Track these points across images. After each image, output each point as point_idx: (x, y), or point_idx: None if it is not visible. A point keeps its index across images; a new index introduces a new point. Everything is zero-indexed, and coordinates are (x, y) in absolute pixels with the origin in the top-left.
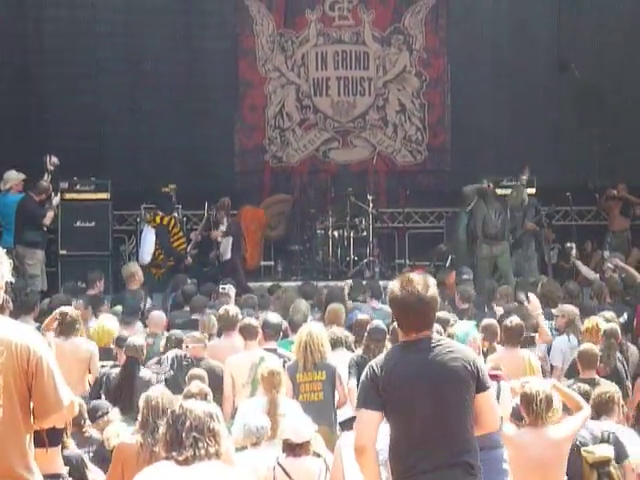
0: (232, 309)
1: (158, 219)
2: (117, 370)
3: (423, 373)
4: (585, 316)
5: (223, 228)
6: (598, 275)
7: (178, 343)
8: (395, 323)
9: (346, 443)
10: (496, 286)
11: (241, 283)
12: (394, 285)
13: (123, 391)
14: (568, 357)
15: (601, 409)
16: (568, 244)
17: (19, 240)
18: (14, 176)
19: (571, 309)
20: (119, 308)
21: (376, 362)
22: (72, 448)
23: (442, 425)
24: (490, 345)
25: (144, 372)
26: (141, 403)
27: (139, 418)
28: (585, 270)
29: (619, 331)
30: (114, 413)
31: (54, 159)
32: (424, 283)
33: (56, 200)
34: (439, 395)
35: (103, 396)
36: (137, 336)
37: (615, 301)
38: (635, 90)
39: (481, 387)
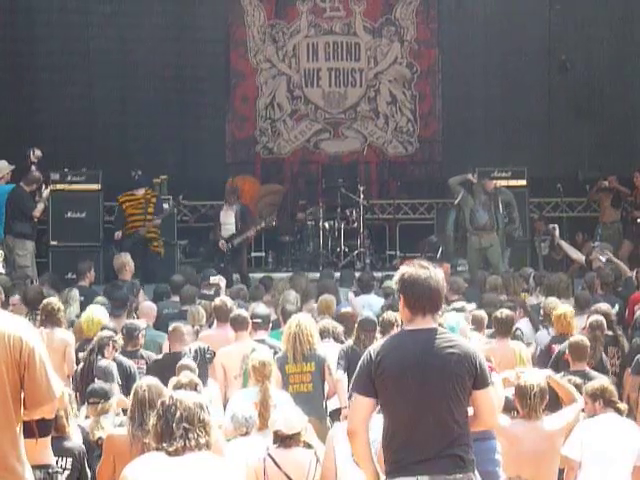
0: (229, 301)
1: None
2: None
3: (413, 362)
4: (579, 307)
5: (232, 220)
6: (584, 257)
7: (130, 333)
8: (386, 313)
9: (337, 434)
10: (487, 277)
11: (242, 272)
12: (404, 267)
13: (86, 378)
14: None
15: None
16: (550, 225)
17: (9, 231)
18: (5, 166)
19: (552, 301)
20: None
21: (374, 347)
22: (75, 439)
23: (431, 417)
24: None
25: (103, 361)
26: (131, 394)
27: (128, 409)
28: (570, 250)
29: (605, 323)
30: (112, 402)
31: (37, 152)
32: (433, 266)
33: (46, 193)
34: (427, 386)
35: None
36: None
37: (606, 292)
38: (626, 83)
39: (480, 384)
